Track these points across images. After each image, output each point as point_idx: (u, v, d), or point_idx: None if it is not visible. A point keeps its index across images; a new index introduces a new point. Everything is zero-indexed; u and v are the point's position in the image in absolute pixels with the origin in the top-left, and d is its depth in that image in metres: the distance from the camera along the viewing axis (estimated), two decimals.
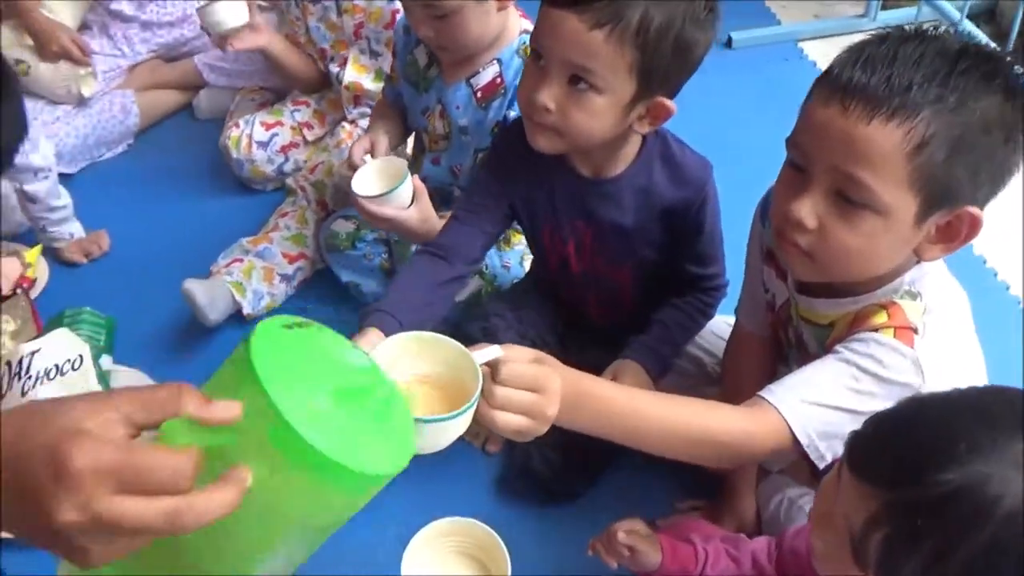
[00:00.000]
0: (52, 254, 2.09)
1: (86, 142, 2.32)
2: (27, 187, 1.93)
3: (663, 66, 1.17)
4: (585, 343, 1.55)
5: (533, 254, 1.53)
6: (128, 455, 0.52)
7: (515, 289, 1.64)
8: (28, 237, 2.11)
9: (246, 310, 1.86)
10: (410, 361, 0.92)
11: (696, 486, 1.57)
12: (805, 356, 1.19)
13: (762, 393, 1.06)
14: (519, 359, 0.93)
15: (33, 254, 2.02)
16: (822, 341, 1.15)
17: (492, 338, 1.42)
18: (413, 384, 0.92)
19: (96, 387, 1.64)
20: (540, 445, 1.50)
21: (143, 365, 1.80)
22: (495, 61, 1.57)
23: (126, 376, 1.78)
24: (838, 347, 1.06)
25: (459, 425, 0.88)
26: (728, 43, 2.67)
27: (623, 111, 1.19)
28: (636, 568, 1.19)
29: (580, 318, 1.55)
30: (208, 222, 2.18)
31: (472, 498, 1.59)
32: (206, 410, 0.58)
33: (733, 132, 2.27)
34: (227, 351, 1.95)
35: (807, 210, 1.00)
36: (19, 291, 1.95)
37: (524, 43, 1.54)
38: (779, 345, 1.33)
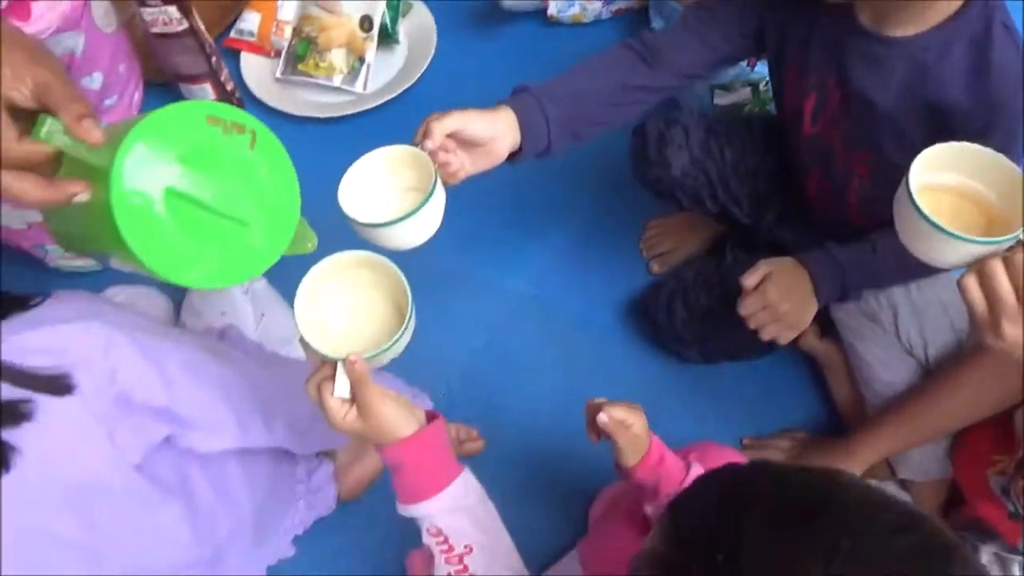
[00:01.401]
0: None
1: None
2: None
3: None
4: (786, 218, 1.27)
5: (772, 91, 1.21)
6: None
7: (740, 117, 1.34)
8: None
9: (551, 11, 1.76)
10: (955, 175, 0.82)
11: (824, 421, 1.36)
12: None
13: None
14: None
15: None
16: None
17: (659, 149, 1.21)
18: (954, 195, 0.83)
19: (381, 12, 1.70)
20: (673, 294, 1.33)
21: (440, 13, 1.82)
22: None
23: (419, 15, 1.82)
24: None
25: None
26: None
27: None
28: (615, 454, 1.03)
29: (795, 189, 1.25)
30: None
31: (601, 292, 1.49)
32: (75, 123, 0.63)
33: None
34: (516, 44, 1.89)
35: None
36: None
37: None
38: None
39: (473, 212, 1.54)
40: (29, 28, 1.28)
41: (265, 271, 0.79)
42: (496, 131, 0.99)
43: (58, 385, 0.75)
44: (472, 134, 0.97)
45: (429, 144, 0.94)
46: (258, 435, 1.02)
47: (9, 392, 0.73)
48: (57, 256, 1.53)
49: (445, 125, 0.95)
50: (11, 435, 0.73)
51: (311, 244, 0.84)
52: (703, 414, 1.37)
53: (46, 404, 0.74)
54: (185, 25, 1.52)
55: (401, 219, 0.90)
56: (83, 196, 0.65)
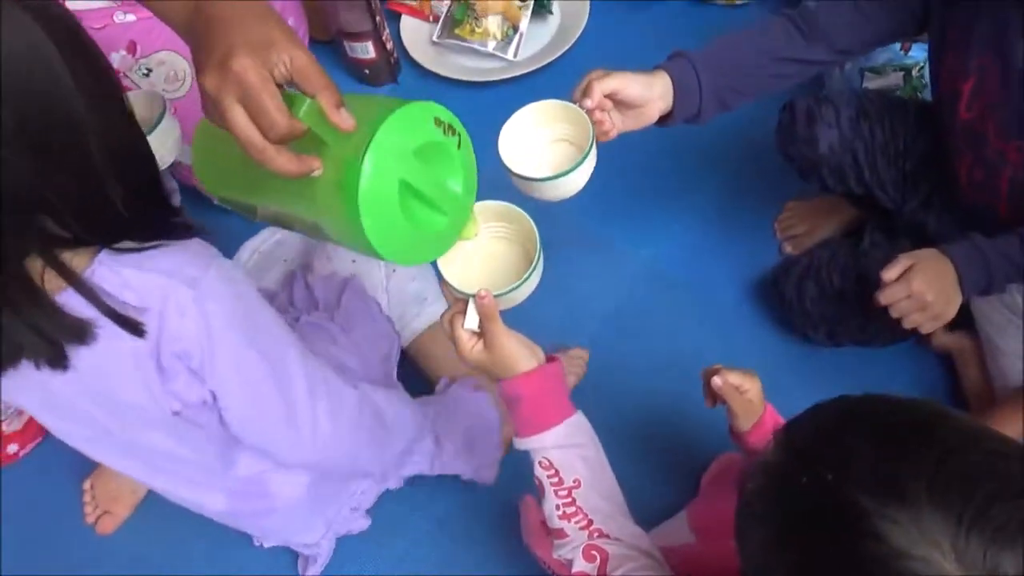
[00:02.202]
0: None
1: None
2: None
3: None
4: (931, 204, 1.24)
5: (929, 72, 1.19)
6: (261, 88, 0.66)
7: (893, 98, 1.31)
8: None
9: None
10: None
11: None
12: None
13: None
14: None
15: None
16: None
17: (808, 125, 1.22)
18: None
19: None
20: (805, 271, 1.33)
21: None
22: None
23: None
24: None
25: None
26: None
27: None
28: (729, 419, 1.05)
29: (944, 176, 1.22)
30: None
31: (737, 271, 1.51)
32: (333, 110, 0.69)
33: None
34: (666, 23, 1.97)
35: None
36: None
37: None
38: None
39: (612, 179, 1.57)
40: None
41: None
42: (651, 95, 1.03)
43: (134, 327, 0.80)
44: (628, 96, 1.01)
45: (588, 103, 0.98)
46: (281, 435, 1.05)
47: (86, 312, 0.78)
48: None
49: (605, 85, 0.99)
50: (70, 350, 0.79)
51: (475, 231, 0.90)
52: (823, 397, 1.36)
53: (112, 336, 0.80)
54: None
55: (561, 175, 0.95)
56: (319, 172, 0.71)
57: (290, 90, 0.70)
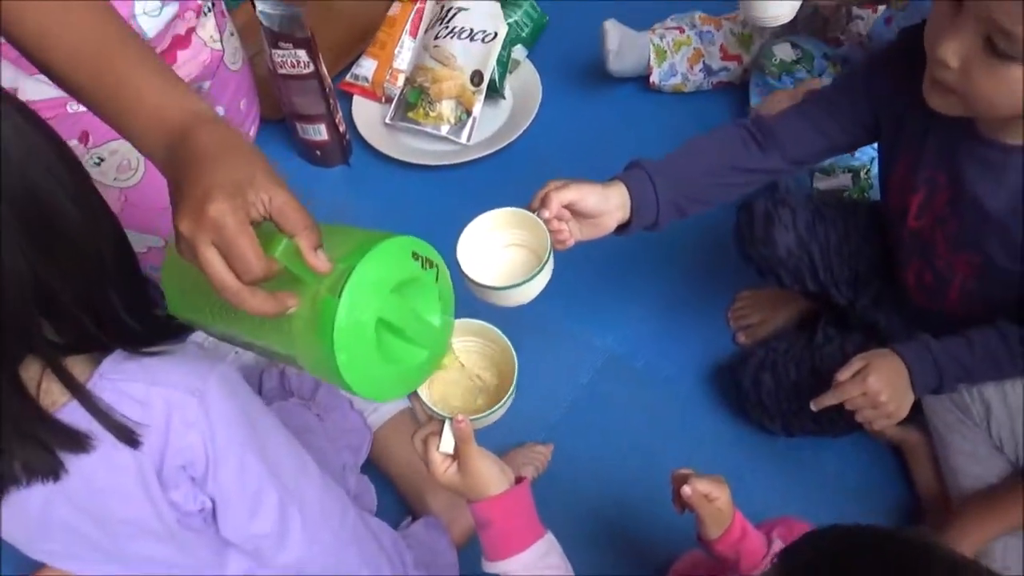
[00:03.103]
0: None
1: None
2: None
3: None
4: (883, 305, 1.29)
5: (879, 180, 1.24)
6: (238, 233, 0.65)
7: (845, 200, 1.36)
8: None
9: (653, 78, 1.82)
10: None
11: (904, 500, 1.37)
12: None
13: None
14: None
15: None
16: None
17: (766, 227, 1.26)
18: None
19: (491, 68, 1.77)
20: (762, 364, 1.36)
21: (546, 73, 1.90)
22: None
23: (526, 73, 1.89)
24: None
25: None
26: None
27: None
28: (698, 526, 1.06)
29: (894, 278, 1.27)
30: None
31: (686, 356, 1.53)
32: (311, 252, 0.69)
33: None
34: (616, 108, 1.96)
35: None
36: None
37: None
38: None
39: (570, 271, 1.56)
40: None
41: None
42: (608, 206, 1.05)
43: (130, 437, 0.78)
44: (585, 207, 1.04)
45: (546, 213, 1.00)
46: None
47: (85, 423, 0.76)
48: None
49: (563, 196, 1.01)
50: (66, 458, 0.76)
51: (451, 361, 0.90)
52: (782, 485, 1.38)
53: (111, 449, 0.78)
54: (311, 68, 1.61)
55: (518, 284, 0.97)
56: (293, 308, 0.70)
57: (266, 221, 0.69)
